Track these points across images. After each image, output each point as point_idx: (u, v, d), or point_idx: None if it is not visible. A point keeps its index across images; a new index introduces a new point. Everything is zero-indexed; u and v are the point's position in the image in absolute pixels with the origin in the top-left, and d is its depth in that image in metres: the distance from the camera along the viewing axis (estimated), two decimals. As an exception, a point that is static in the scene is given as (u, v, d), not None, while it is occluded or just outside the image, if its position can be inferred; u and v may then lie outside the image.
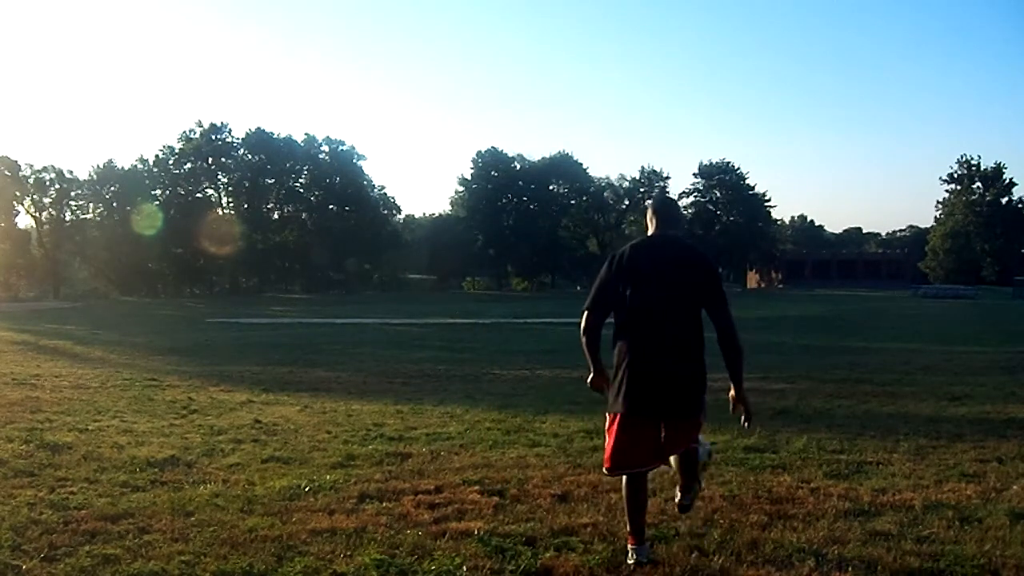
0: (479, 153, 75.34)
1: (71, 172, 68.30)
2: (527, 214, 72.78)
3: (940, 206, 77.85)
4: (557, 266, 76.02)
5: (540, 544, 3.88)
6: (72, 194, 68.53)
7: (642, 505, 3.71)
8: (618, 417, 3.62)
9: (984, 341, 17.84)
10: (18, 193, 65.72)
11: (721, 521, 4.24)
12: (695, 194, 75.19)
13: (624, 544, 3.75)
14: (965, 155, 75.98)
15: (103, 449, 6.23)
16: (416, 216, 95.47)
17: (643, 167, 76.43)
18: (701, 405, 3.69)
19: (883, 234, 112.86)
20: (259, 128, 70.36)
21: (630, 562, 3.60)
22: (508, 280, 79.05)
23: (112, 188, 67.99)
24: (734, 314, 3.64)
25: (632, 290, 3.61)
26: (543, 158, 75.41)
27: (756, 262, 75.83)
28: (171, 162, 69.56)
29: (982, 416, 7.70)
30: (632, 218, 78.74)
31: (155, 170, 69.67)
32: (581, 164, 74.76)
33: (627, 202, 77.00)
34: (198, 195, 70.61)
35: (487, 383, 10.93)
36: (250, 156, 70.24)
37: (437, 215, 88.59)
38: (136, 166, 69.49)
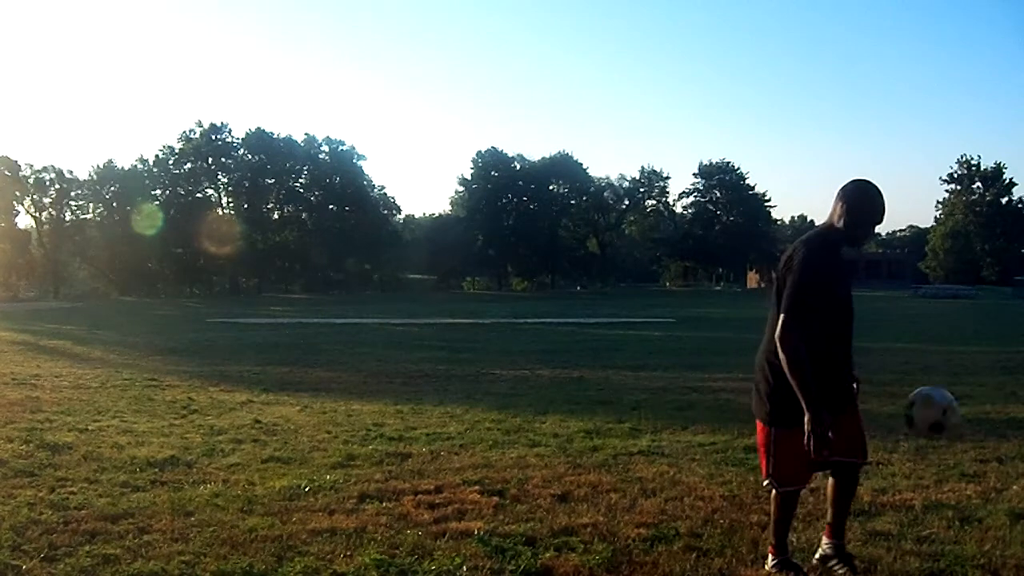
0: (479, 153, 75.56)
1: (71, 172, 68.71)
2: (527, 214, 72.80)
3: (940, 206, 78.01)
4: (557, 266, 75.95)
5: (540, 544, 3.88)
6: (72, 194, 68.74)
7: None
8: None
9: (984, 341, 17.81)
10: (18, 193, 65.85)
11: (721, 521, 4.23)
12: (695, 194, 75.41)
13: (624, 544, 3.77)
14: (965, 155, 76.23)
15: (103, 449, 6.23)
16: (416, 216, 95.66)
17: (643, 167, 76.76)
18: (761, 410, 3.45)
19: (883, 234, 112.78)
20: (259, 128, 70.61)
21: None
22: (508, 280, 79.06)
23: (112, 188, 68.14)
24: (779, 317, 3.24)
25: None
26: (543, 158, 75.55)
27: (756, 262, 75.82)
28: (171, 162, 69.69)
29: (982, 416, 7.67)
30: (632, 218, 78.86)
31: (155, 170, 69.80)
32: (581, 164, 74.95)
33: (627, 202, 77.06)
34: (198, 195, 70.74)
35: (487, 383, 10.89)
36: (250, 156, 70.33)
37: (437, 215, 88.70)
38: (136, 166, 69.65)
